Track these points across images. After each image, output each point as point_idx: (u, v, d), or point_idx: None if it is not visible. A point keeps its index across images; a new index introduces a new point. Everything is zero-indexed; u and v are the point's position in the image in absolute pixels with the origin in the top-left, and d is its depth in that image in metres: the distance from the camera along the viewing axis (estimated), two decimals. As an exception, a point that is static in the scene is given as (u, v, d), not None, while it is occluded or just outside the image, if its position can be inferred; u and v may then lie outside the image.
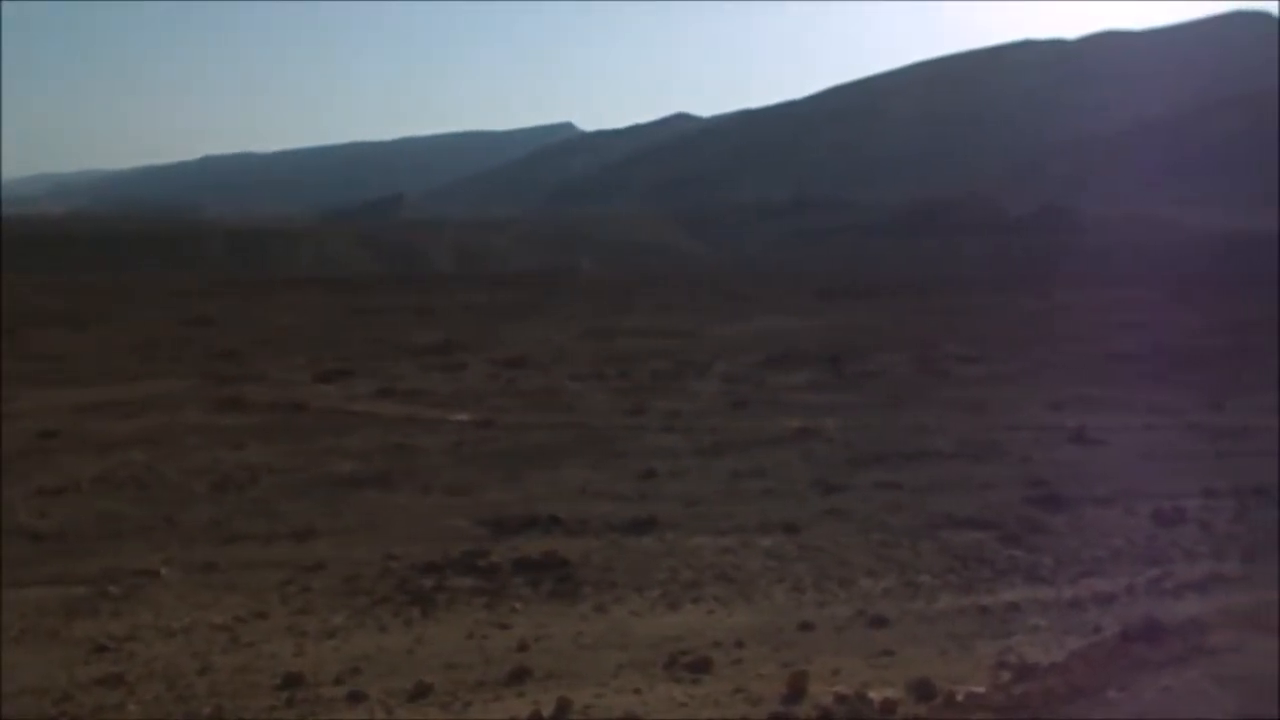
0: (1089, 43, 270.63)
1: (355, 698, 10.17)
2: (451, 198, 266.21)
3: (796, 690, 9.51)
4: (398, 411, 30.00)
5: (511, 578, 14.53)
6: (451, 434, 26.55)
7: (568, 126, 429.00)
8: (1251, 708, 5.39)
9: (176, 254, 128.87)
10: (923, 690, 8.94)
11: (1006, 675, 8.51)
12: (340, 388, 34.96)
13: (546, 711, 9.23)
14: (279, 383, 36.08)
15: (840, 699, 9.02)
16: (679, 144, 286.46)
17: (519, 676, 10.47)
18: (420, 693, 10.11)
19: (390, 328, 54.03)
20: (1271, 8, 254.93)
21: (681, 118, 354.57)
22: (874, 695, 8.94)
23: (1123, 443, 23.75)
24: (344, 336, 50.66)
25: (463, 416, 28.83)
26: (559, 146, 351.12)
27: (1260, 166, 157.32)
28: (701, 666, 10.50)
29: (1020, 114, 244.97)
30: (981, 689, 7.75)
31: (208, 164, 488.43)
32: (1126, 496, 18.43)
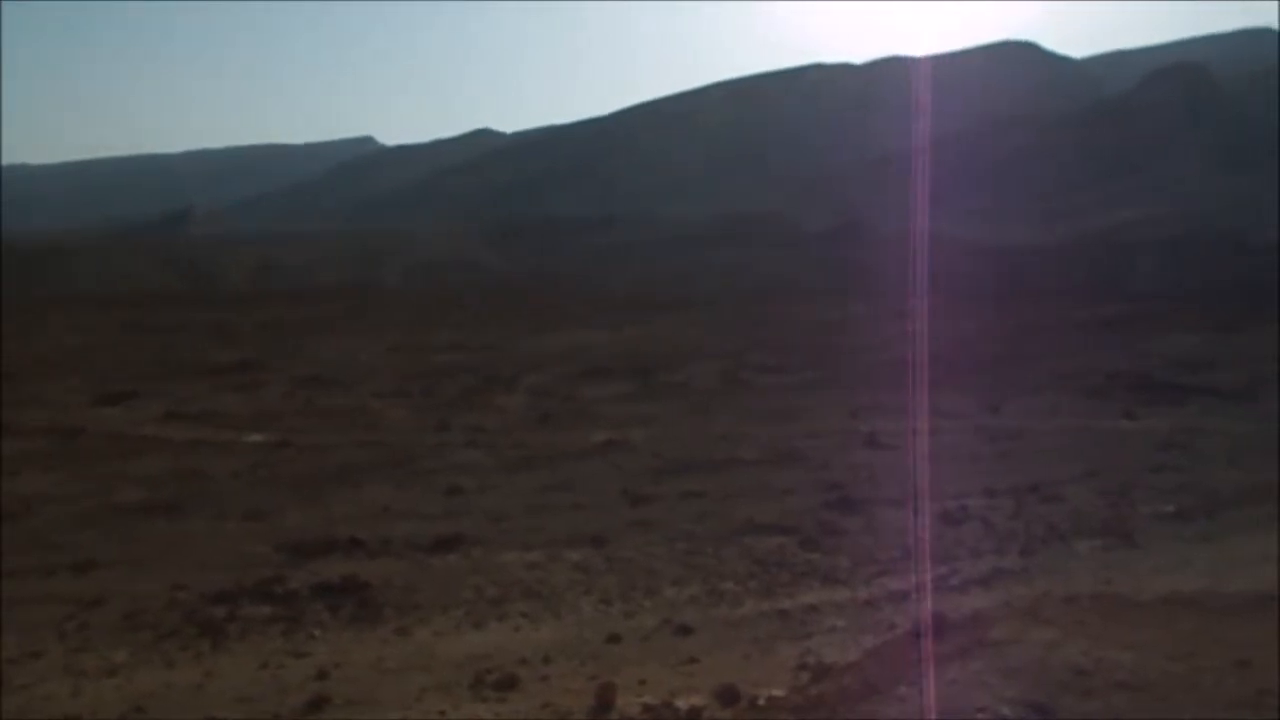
0: (875, 68, 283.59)
1: (138, 739, 9.56)
2: (247, 212, 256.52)
3: (604, 702, 9.50)
4: (188, 434, 28.60)
5: (309, 604, 14.01)
6: (246, 456, 25.50)
7: (368, 140, 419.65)
8: (1030, 695, 5.69)
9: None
10: (727, 696, 9.07)
11: (806, 676, 8.72)
12: (124, 410, 33.09)
13: (346, 740, 8.91)
14: (55, 406, 33.86)
15: (647, 709, 9.06)
16: (484, 159, 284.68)
17: (317, 705, 10.09)
18: (210, 729, 9.60)
19: (180, 347, 51.53)
20: (1036, 39, 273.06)
21: (485, 133, 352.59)
22: (680, 703, 9.02)
23: (911, 446, 24.84)
24: (129, 357, 47.99)
25: (258, 438, 27.73)
26: (360, 161, 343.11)
27: (1029, 184, 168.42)
28: (508, 684, 10.36)
29: (813, 133, 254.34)
30: (782, 691, 7.91)
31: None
32: (915, 497, 19.26)
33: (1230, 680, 6.12)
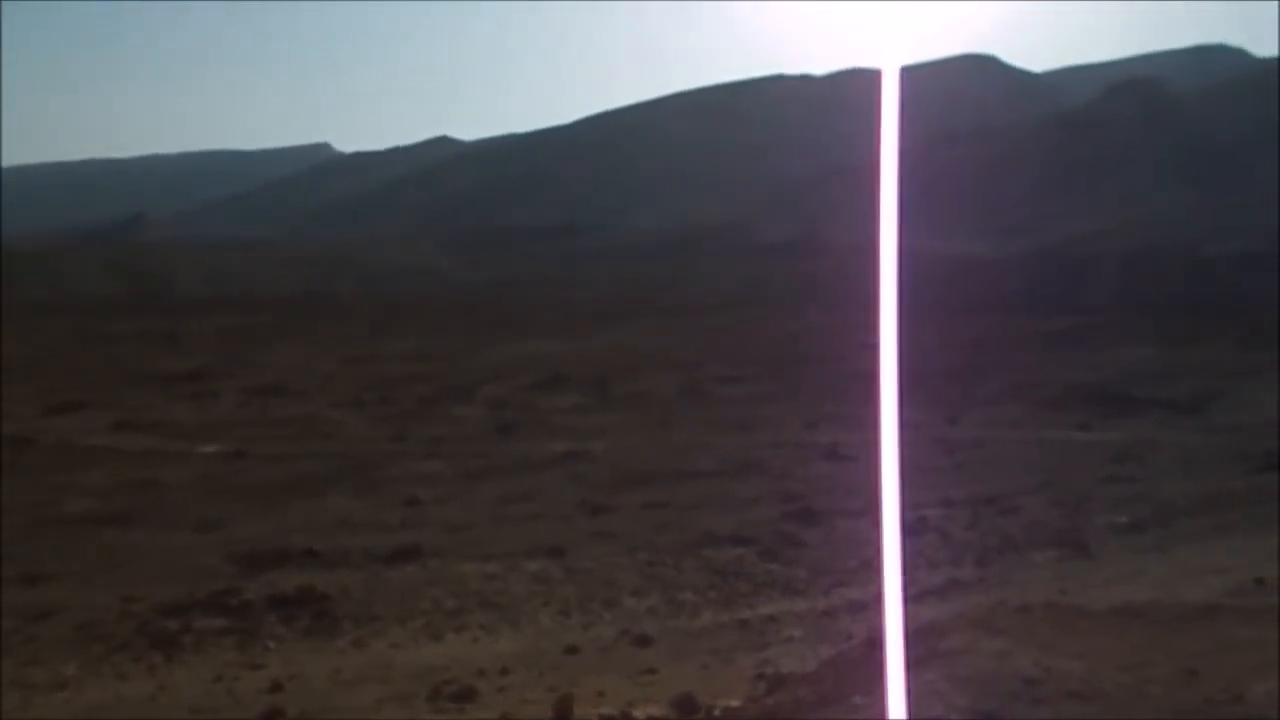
0: (835, 79, 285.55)
1: (88, 754, 9.42)
2: (201, 219, 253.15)
3: (562, 714, 9.48)
4: (140, 444, 28.23)
5: (265, 615, 13.87)
6: (199, 467, 25.23)
7: (325, 147, 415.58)
8: (981, 705, 5.75)
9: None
10: (685, 706, 9.08)
11: (763, 687, 8.74)
12: (74, 420, 32.59)
13: (301, 754, 8.82)
14: (4, 416, 33.27)
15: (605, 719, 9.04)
16: (443, 167, 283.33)
17: (272, 718, 10.01)
18: (162, 744, 9.47)
19: (132, 355, 50.81)
20: (996, 53, 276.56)
21: (444, 140, 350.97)
22: (638, 714, 9.02)
23: (871, 457, 24.96)
24: (79, 365, 47.21)
25: (211, 448, 27.43)
26: (316, 168, 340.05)
27: (985, 197, 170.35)
28: (465, 696, 10.31)
29: (774, 144, 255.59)
30: (738, 702, 7.93)
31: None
32: (875, 509, 19.37)
33: (1179, 689, 6.22)
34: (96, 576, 16.33)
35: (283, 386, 39.52)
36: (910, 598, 13.36)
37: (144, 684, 11.51)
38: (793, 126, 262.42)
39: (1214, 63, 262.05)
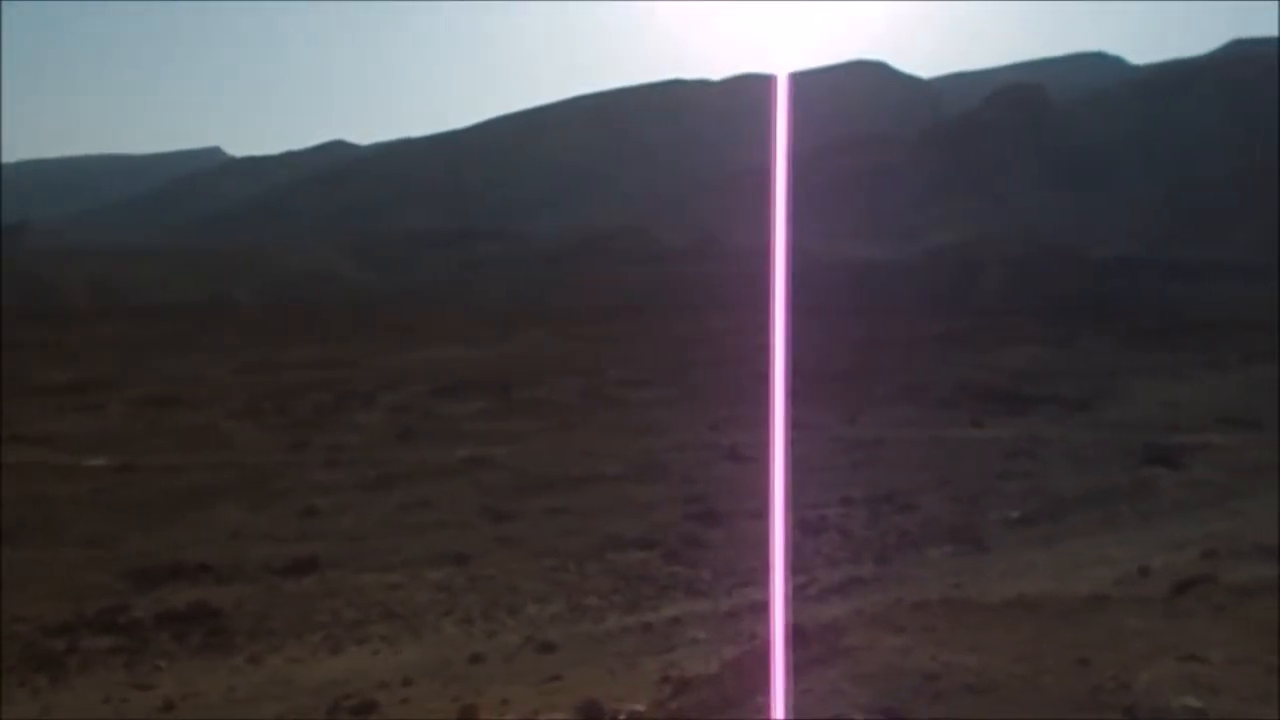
0: (731, 84, 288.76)
1: (-33, 784, 9.01)
2: (86, 225, 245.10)
3: (466, 724, 9.35)
4: (25, 458, 27.16)
5: (155, 633, 13.45)
6: (87, 480, 24.35)
7: (216, 151, 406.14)
8: (882, 701, 5.85)
9: None
10: (590, 712, 9.03)
11: (667, 690, 8.75)
12: (-47, 435, 31.22)
13: (195, 775, 8.56)
14: (-125, 432, 31.74)
15: (510, 729, 8.95)
16: (338, 171, 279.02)
17: (164, 740, 9.68)
18: (47, 770, 9.11)
19: (16, 366, 48.87)
20: (886, 59, 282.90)
21: (339, 145, 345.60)
22: (543, 721, 8.94)
23: (770, 458, 25.24)
24: (-42, 377, 45.31)
25: (100, 460, 26.53)
26: (208, 172, 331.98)
27: (876, 201, 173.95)
28: (366, 709, 10.11)
29: (672, 148, 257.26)
30: (643, 706, 7.93)
31: None
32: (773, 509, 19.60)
33: (1070, 679, 6.39)
34: (-24, 597, 15.64)
35: (175, 397, 38.44)
36: (812, 596, 13.56)
37: (27, 708, 11.05)
38: (691, 131, 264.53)
39: (1093, 70, 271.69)
